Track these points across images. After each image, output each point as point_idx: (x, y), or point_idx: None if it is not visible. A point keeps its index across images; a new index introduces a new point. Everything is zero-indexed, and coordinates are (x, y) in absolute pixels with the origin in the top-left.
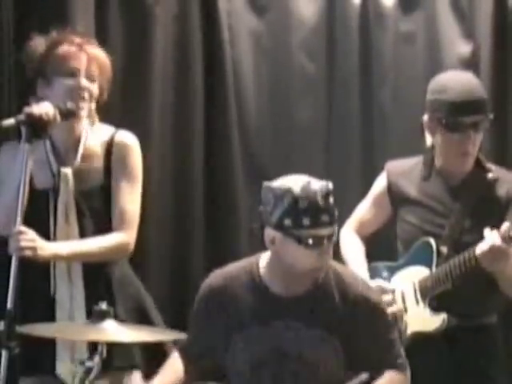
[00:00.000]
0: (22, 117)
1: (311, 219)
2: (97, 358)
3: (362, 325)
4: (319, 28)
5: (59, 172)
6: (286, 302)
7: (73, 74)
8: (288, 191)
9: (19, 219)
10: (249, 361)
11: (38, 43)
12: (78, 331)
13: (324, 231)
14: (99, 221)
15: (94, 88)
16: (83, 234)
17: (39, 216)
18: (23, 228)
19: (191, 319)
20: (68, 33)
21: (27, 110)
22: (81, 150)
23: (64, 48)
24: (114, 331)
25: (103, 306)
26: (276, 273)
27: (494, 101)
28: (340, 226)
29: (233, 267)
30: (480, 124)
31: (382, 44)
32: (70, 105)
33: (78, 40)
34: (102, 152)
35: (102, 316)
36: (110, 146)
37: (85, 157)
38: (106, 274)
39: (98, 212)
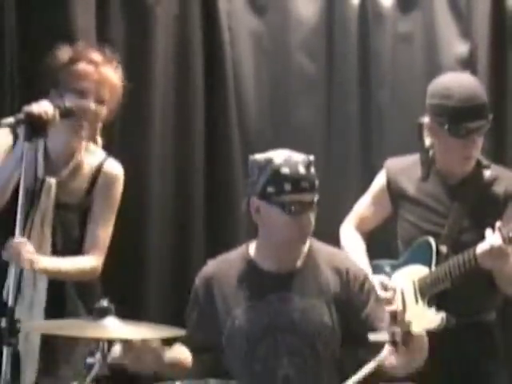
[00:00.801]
0: (21, 116)
1: (292, 185)
2: (98, 355)
3: (355, 296)
4: (318, 28)
5: (43, 179)
6: (278, 277)
7: (83, 94)
8: (271, 161)
9: (19, 227)
10: (245, 337)
11: (61, 54)
12: (80, 328)
13: (305, 197)
14: (68, 236)
15: (102, 110)
16: (54, 245)
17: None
18: (24, 239)
19: (188, 312)
20: (88, 48)
21: (27, 108)
22: (71, 166)
23: (80, 66)
24: (114, 328)
25: (104, 303)
26: (265, 250)
27: (492, 100)
28: (339, 222)
29: (224, 255)
30: (483, 128)
31: (381, 44)
32: (69, 104)
33: (95, 58)
34: (89, 175)
35: (103, 313)
36: (97, 172)
37: (72, 173)
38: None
39: (69, 227)
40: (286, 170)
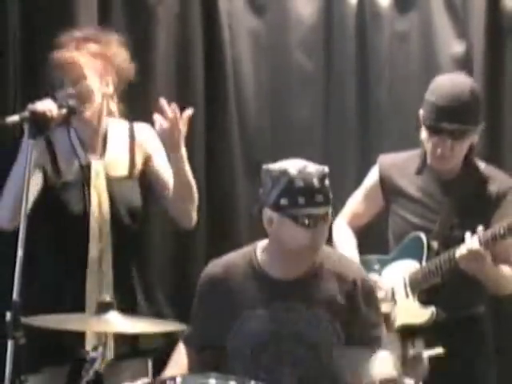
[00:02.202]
0: (25, 114)
1: (306, 198)
2: (101, 349)
3: (360, 307)
4: (317, 28)
5: (88, 164)
6: (285, 284)
7: (60, 85)
8: (285, 172)
9: (24, 213)
10: (250, 343)
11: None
12: (83, 322)
13: (319, 210)
14: (129, 205)
15: (84, 87)
16: (116, 220)
17: (71, 207)
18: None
19: (193, 310)
20: (66, 39)
21: (31, 107)
22: (108, 144)
23: (56, 55)
24: (117, 322)
25: (107, 298)
26: (274, 256)
27: (487, 100)
28: (335, 218)
29: (230, 256)
30: (460, 133)
31: (378, 43)
32: (71, 102)
33: (68, 46)
34: (126, 145)
35: (106, 308)
36: (132, 144)
37: (110, 149)
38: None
39: (127, 196)
40: (300, 184)
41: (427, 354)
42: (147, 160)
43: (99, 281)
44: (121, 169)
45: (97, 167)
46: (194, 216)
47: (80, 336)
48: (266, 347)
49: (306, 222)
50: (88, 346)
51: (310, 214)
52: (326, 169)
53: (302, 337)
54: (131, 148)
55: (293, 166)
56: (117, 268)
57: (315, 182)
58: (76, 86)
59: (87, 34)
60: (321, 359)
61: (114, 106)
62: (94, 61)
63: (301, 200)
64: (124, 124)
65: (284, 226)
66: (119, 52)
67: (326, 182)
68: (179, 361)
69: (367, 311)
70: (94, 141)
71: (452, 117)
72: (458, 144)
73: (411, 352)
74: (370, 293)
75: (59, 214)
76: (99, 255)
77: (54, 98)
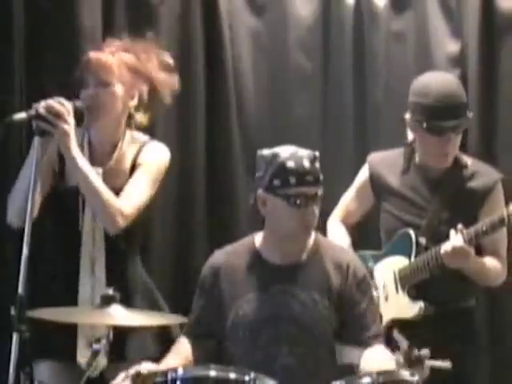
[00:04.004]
0: (33, 112)
1: (297, 178)
2: (104, 341)
3: (353, 292)
4: (315, 27)
5: None
6: (282, 269)
7: (86, 84)
8: (277, 155)
9: (29, 211)
10: (248, 326)
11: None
12: (85, 315)
13: (309, 190)
14: None
15: (109, 92)
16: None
17: (69, 212)
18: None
19: (195, 299)
20: (106, 44)
21: (37, 105)
22: (115, 156)
23: (91, 59)
24: (119, 315)
25: (109, 291)
26: (271, 242)
27: (481, 98)
28: (329, 214)
29: (231, 246)
30: (459, 126)
31: (375, 43)
32: (79, 103)
33: (105, 50)
34: (131, 158)
35: (108, 301)
36: (138, 153)
37: (117, 160)
38: (125, 272)
39: None
40: (291, 164)
41: (432, 363)
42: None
43: (92, 286)
44: (120, 180)
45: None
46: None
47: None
48: (264, 328)
49: (298, 201)
50: (80, 343)
51: (301, 193)
52: (317, 153)
53: (298, 318)
54: (133, 164)
55: (284, 150)
56: (110, 273)
57: (306, 163)
58: (99, 89)
59: (127, 45)
60: (316, 340)
61: (141, 117)
62: (126, 71)
63: (292, 180)
64: (140, 139)
65: (277, 206)
66: (155, 69)
67: (317, 164)
68: (180, 350)
69: (360, 297)
70: (104, 148)
71: (453, 113)
72: (457, 138)
73: (415, 353)
74: (363, 279)
75: (57, 218)
76: (91, 262)
77: (70, 97)
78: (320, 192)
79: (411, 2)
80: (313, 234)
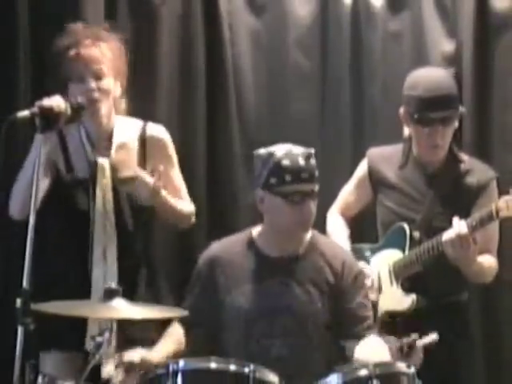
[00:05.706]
0: (35, 109)
1: (292, 176)
2: (107, 334)
3: (347, 286)
4: (313, 27)
5: (95, 162)
6: (278, 262)
7: (81, 78)
8: (272, 154)
9: (33, 207)
10: (243, 318)
11: (57, 47)
12: (89, 309)
13: (305, 187)
14: (135, 205)
15: (105, 84)
16: (120, 219)
17: (79, 204)
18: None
19: (189, 289)
20: (77, 32)
21: (39, 103)
22: (115, 142)
23: (72, 52)
24: (123, 309)
25: (113, 284)
26: (269, 236)
27: (476, 96)
28: (328, 209)
29: (228, 238)
30: (448, 119)
31: (372, 42)
32: (80, 99)
33: (86, 41)
34: (137, 146)
35: (112, 294)
36: (142, 142)
37: (119, 148)
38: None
39: (133, 197)
40: (286, 162)
41: (422, 342)
42: (157, 166)
43: (104, 273)
44: (128, 169)
45: (102, 165)
46: (188, 221)
47: (83, 323)
48: (258, 320)
49: (294, 198)
50: (90, 333)
51: (297, 190)
52: (312, 150)
53: (292, 310)
54: (141, 148)
55: (280, 148)
56: (121, 262)
57: (300, 160)
58: (97, 82)
59: (98, 33)
60: (310, 332)
61: (123, 103)
62: (114, 60)
63: (287, 177)
64: (135, 123)
65: (274, 204)
66: (122, 52)
67: (312, 161)
68: (173, 334)
69: (355, 291)
70: (102, 139)
71: (441, 104)
72: (447, 130)
73: (406, 340)
74: (357, 275)
75: (67, 209)
76: (103, 250)
77: (67, 93)
78: (316, 188)
79: (407, 2)
80: (310, 231)
